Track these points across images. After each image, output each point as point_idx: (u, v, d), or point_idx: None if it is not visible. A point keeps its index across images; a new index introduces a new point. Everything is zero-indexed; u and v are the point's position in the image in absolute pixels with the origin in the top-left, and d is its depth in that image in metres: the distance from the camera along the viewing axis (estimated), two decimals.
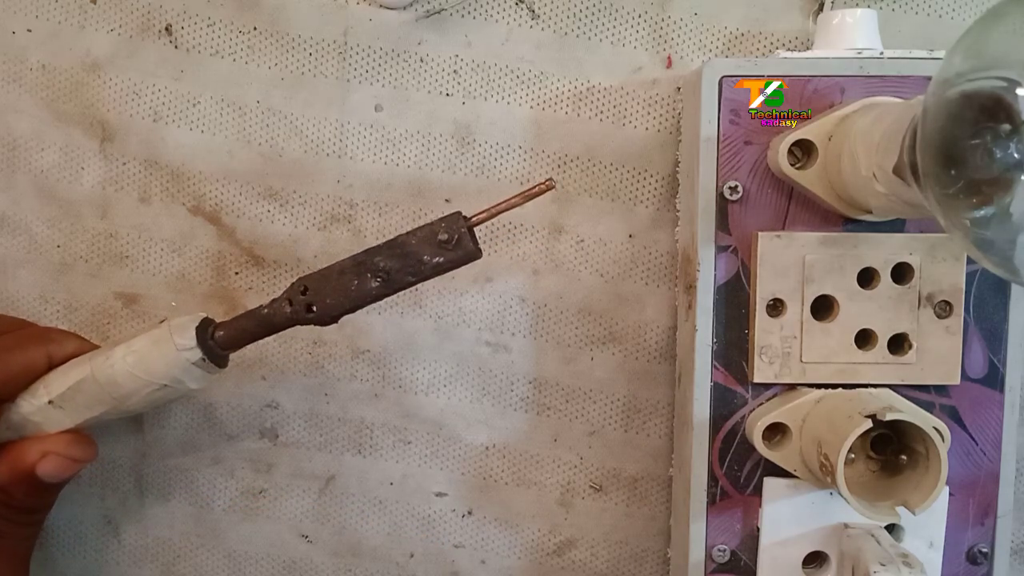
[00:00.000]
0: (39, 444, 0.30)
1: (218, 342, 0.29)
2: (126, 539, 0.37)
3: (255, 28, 0.34)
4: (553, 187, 0.28)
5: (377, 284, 0.28)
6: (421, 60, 0.34)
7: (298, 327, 0.29)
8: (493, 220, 0.34)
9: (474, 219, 0.28)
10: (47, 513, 0.32)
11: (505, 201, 0.28)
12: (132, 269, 0.35)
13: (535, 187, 0.28)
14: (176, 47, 0.34)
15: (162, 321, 0.30)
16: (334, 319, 0.28)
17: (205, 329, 0.29)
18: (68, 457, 0.30)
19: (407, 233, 0.28)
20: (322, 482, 0.36)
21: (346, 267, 0.28)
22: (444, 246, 0.27)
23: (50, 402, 0.29)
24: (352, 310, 0.28)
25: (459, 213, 0.28)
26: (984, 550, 0.31)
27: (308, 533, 0.37)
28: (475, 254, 0.28)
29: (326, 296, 0.28)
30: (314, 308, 0.28)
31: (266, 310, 0.29)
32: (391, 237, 0.28)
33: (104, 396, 0.29)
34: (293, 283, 0.29)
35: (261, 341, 0.30)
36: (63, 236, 0.35)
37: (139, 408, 0.30)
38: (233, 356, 0.35)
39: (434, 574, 0.37)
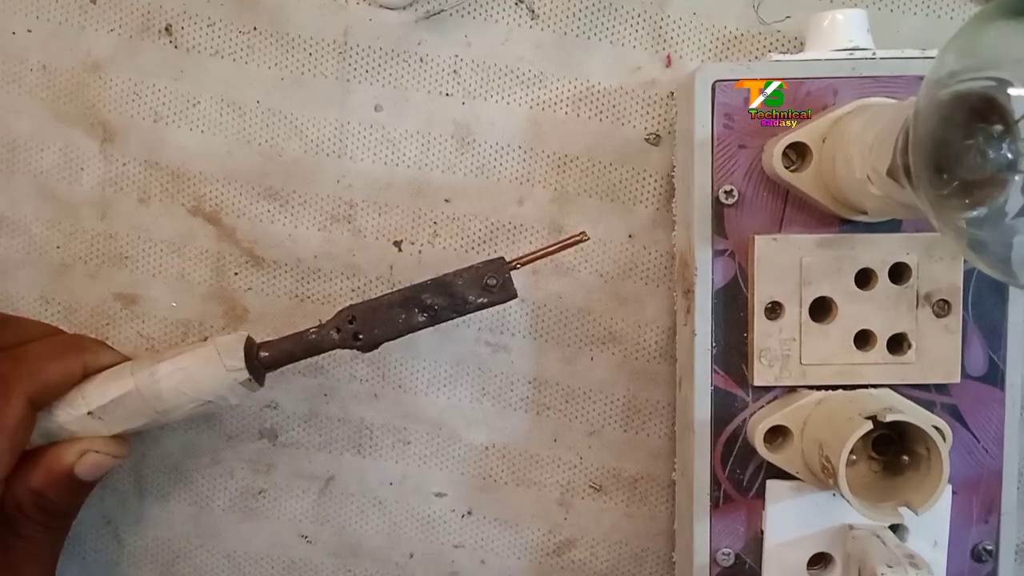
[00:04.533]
0: (76, 444, 0.30)
1: (263, 362, 0.30)
2: (126, 539, 0.37)
3: (255, 28, 0.34)
4: (587, 239, 0.30)
5: (423, 319, 0.30)
6: (421, 60, 0.34)
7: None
8: (493, 222, 0.35)
9: (515, 264, 0.30)
10: (75, 518, 0.33)
11: (543, 249, 0.30)
12: (132, 270, 0.35)
13: (571, 237, 0.30)
14: (176, 47, 0.34)
15: (205, 338, 0.31)
16: (376, 346, 0.30)
17: (250, 349, 0.30)
18: (107, 453, 0.30)
19: (453, 274, 0.30)
20: (322, 482, 0.36)
21: (395, 302, 0.30)
22: (488, 289, 0.30)
23: (89, 413, 0.30)
24: (395, 339, 0.30)
25: (502, 259, 0.30)
26: (988, 548, 0.31)
27: (308, 533, 0.37)
28: (514, 295, 0.30)
29: (374, 327, 0.30)
30: (360, 336, 0.30)
31: (313, 335, 0.30)
32: (438, 276, 0.30)
33: (147, 410, 0.30)
34: (341, 311, 0.30)
35: None
36: (63, 237, 0.35)
37: (178, 421, 0.31)
38: None
39: (434, 574, 0.37)
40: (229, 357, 0.30)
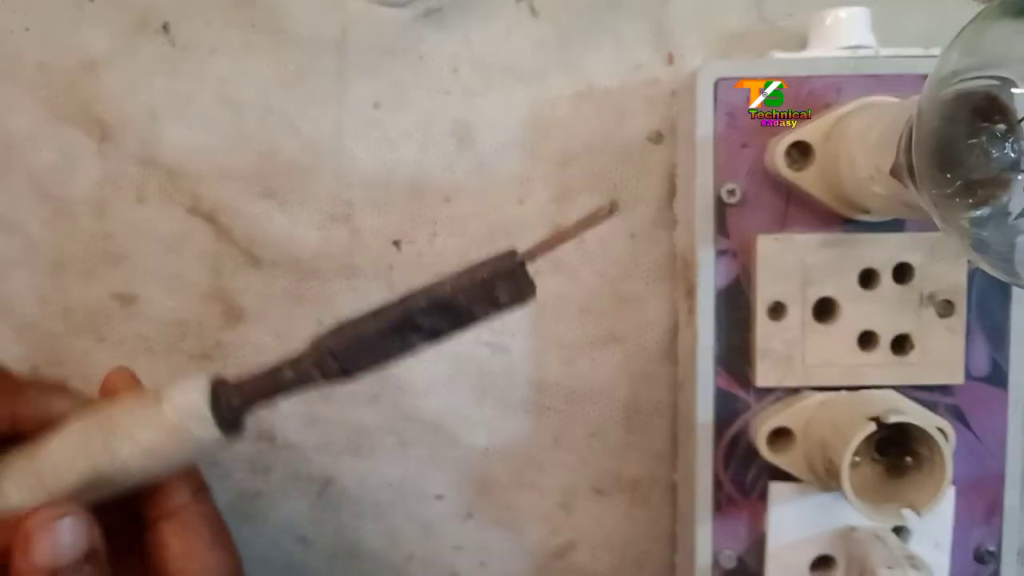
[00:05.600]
0: (46, 509, 0.24)
1: (237, 410, 0.26)
2: None
3: (252, 26, 0.34)
4: (617, 210, 0.24)
5: (421, 341, 0.25)
6: (420, 58, 0.34)
7: None
8: (493, 222, 0.34)
9: (527, 255, 0.24)
10: None
11: (563, 231, 0.24)
12: (129, 269, 0.35)
13: (596, 211, 0.24)
14: (173, 45, 0.34)
15: (158, 395, 0.26)
16: (368, 373, 0.26)
17: (218, 400, 0.25)
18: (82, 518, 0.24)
19: (452, 288, 0.24)
20: (320, 484, 0.36)
21: (385, 331, 0.24)
22: (500, 304, 0.24)
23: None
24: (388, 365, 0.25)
25: (512, 255, 0.24)
26: (991, 549, 0.31)
27: (306, 536, 0.37)
28: (531, 295, 0.25)
29: (362, 362, 0.25)
30: (348, 371, 0.25)
31: (291, 374, 0.25)
32: (430, 287, 0.24)
33: (117, 485, 0.26)
34: (317, 344, 0.25)
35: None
36: (59, 236, 0.35)
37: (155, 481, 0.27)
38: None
39: None
40: (198, 425, 0.25)
